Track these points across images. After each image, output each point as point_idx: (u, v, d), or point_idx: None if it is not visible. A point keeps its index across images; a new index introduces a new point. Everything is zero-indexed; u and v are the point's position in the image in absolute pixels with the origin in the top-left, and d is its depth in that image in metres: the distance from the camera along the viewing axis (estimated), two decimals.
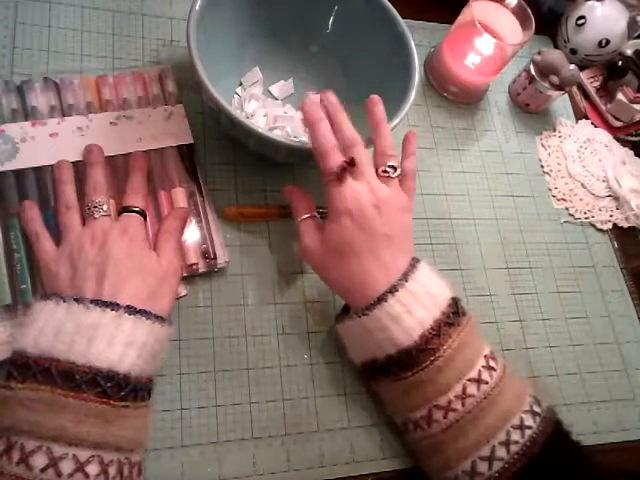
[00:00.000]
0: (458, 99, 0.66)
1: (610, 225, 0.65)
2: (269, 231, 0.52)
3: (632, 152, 0.71)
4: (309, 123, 0.43)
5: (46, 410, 0.33)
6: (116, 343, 0.35)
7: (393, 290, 0.40)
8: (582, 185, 0.66)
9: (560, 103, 0.71)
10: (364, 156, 0.43)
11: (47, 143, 0.46)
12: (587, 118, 0.72)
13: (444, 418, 0.40)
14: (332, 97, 0.44)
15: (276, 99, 0.58)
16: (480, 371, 0.41)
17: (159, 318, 0.38)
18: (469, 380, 0.40)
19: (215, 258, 0.47)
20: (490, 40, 0.58)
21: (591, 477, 0.41)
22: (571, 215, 0.64)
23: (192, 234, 0.47)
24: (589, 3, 0.70)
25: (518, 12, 0.62)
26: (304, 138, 0.53)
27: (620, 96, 0.70)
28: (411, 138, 0.48)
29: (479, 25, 0.58)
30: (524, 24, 0.61)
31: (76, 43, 0.53)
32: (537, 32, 0.60)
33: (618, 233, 0.65)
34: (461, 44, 0.62)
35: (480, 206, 0.61)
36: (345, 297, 0.44)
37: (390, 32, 0.53)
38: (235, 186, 0.52)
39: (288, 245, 0.52)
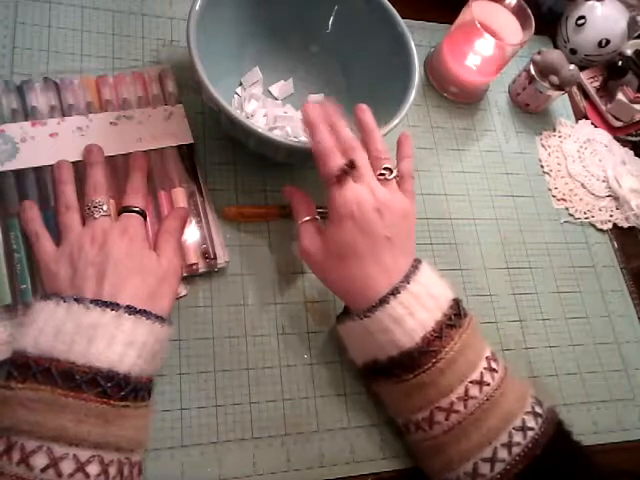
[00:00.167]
0: (458, 99, 0.66)
1: (610, 225, 0.65)
2: (269, 231, 0.52)
3: (632, 152, 0.71)
4: (309, 125, 0.43)
5: (46, 410, 0.33)
6: (116, 343, 0.35)
7: (395, 292, 0.40)
8: (582, 185, 0.66)
9: (560, 103, 0.71)
10: (364, 160, 0.43)
11: (47, 143, 0.46)
12: (587, 118, 0.72)
13: (446, 420, 0.40)
14: (331, 104, 0.44)
15: (276, 99, 0.58)
16: (482, 373, 0.41)
17: (159, 318, 0.38)
18: (471, 382, 0.40)
19: (215, 258, 0.47)
20: (490, 40, 0.58)
21: (592, 478, 0.41)
22: (571, 215, 0.64)
23: (192, 234, 0.47)
24: (589, 3, 0.70)
25: (518, 12, 0.62)
26: (304, 138, 0.53)
27: (620, 96, 0.70)
28: (404, 141, 0.47)
29: (479, 25, 0.58)
30: (524, 24, 0.61)
31: (76, 43, 0.53)
32: (537, 32, 0.60)
33: (618, 233, 0.65)
34: (461, 44, 0.62)
35: (480, 206, 0.61)
36: (345, 299, 0.44)
37: (390, 32, 0.53)
38: (235, 186, 0.52)
39: (288, 245, 0.52)
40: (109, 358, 0.35)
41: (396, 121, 0.47)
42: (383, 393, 0.45)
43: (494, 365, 0.42)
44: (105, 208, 0.41)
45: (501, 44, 0.59)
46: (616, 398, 0.55)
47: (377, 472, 0.46)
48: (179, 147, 0.50)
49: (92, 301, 0.36)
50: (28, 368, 0.34)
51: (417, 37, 0.68)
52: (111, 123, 0.49)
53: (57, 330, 0.35)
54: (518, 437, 0.39)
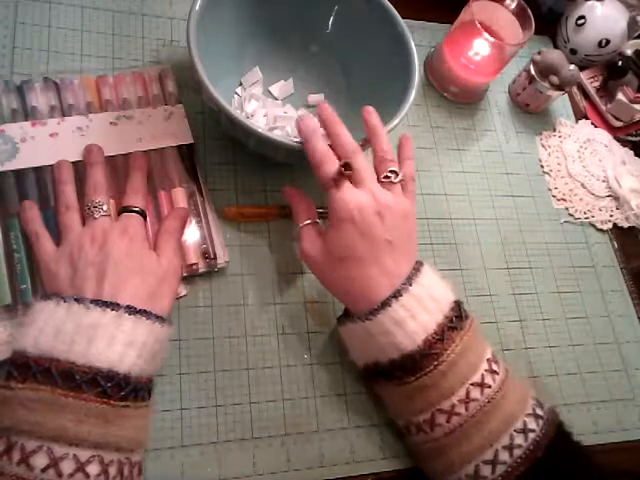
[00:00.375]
0: (458, 99, 0.66)
1: (610, 225, 0.65)
2: (269, 231, 0.52)
3: (632, 152, 0.71)
4: (303, 134, 0.44)
5: (46, 410, 0.33)
6: (116, 343, 0.35)
7: (397, 295, 0.40)
8: (582, 185, 0.66)
9: (560, 103, 0.71)
10: (364, 163, 0.43)
11: (47, 143, 0.46)
12: (587, 118, 0.72)
13: (447, 422, 0.40)
14: (328, 109, 0.45)
15: (276, 99, 0.58)
16: (483, 375, 0.41)
17: (159, 318, 0.38)
18: (472, 384, 0.40)
19: (215, 258, 0.47)
20: (490, 40, 0.58)
21: (593, 479, 0.41)
22: (571, 215, 0.64)
23: (192, 234, 0.47)
24: (589, 3, 0.70)
25: (518, 12, 0.62)
26: None
27: (620, 96, 0.70)
28: (405, 143, 0.47)
29: (479, 25, 0.58)
30: (524, 24, 0.61)
31: (76, 43, 0.53)
32: (537, 32, 0.60)
33: (618, 233, 0.65)
34: (461, 44, 0.62)
35: (480, 206, 0.61)
36: (346, 301, 0.44)
37: (390, 32, 0.53)
38: (235, 186, 0.52)
39: (288, 245, 0.52)
40: (109, 358, 0.35)
41: (396, 121, 0.47)
42: (384, 395, 0.45)
43: (495, 367, 0.42)
44: (105, 208, 0.41)
45: (501, 44, 0.59)
46: (616, 398, 0.55)
47: (377, 472, 0.46)
48: (179, 147, 0.50)
49: (92, 301, 0.36)
50: (28, 368, 0.34)
51: (417, 37, 0.68)
52: (111, 123, 0.49)
53: (57, 330, 0.35)
54: (519, 439, 0.39)
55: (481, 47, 0.60)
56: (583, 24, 0.70)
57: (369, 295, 0.41)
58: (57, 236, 0.41)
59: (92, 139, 0.47)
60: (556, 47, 0.74)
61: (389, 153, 0.44)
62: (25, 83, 0.48)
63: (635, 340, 0.59)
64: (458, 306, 0.43)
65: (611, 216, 0.66)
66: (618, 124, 0.71)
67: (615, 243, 0.65)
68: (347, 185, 0.41)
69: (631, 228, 0.66)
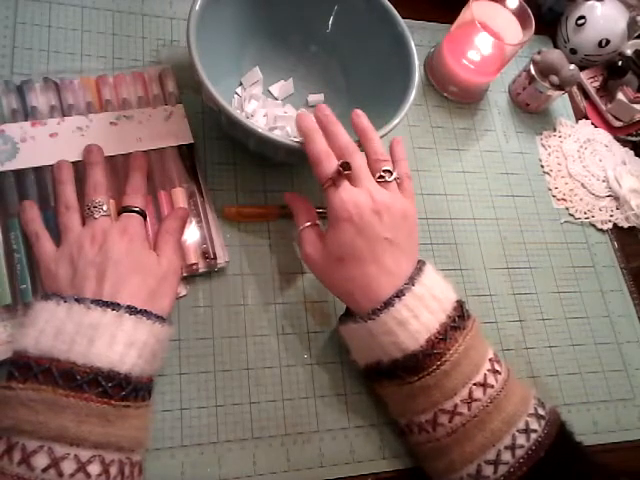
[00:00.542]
0: (458, 99, 0.66)
1: (610, 225, 0.65)
2: (269, 231, 0.52)
3: (632, 152, 0.71)
4: (303, 133, 0.44)
5: (47, 410, 0.33)
6: (117, 343, 0.35)
7: (400, 294, 0.40)
8: (582, 185, 0.66)
9: (560, 103, 0.71)
10: (361, 162, 0.43)
11: (47, 143, 0.46)
12: (587, 118, 0.72)
13: (449, 422, 0.40)
14: (326, 109, 0.45)
15: (276, 99, 0.58)
16: (485, 375, 0.41)
17: (159, 318, 0.38)
18: (475, 384, 0.40)
19: (215, 258, 0.47)
20: (490, 40, 0.58)
21: (594, 479, 0.41)
22: (571, 215, 0.64)
23: (192, 234, 0.47)
24: (589, 3, 0.70)
25: (518, 12, 0.62)
26: None
27: (620, 96, 0.70)
28: (396, 145, 0.47)
29: (479, 25, 0.58)
30: (524, 24, 0.61)
31: (76, 43, 0.53)
32: (537, 32, 0.60)
33: (618, 233, 0.65)
34: (461, 44, 0.62)
35: (480, 206, 0.61)
36: (347, 301, 0.44)
37: (390, 32, 0.53)
38: (235, 186, 0.52)
39: (288, 245, 0.52)
40: (110, 358, 0.35)
41: (396, 121, 0.47)
42: (386, 395, 0.44)
43: (497, 367, 0.42)
44: (105, 208, 0.41)
45: (501, 44, 0.59)
46: (616, 398, 0.55)
47: (377, 472, 0.46)
48: (179, 147, 0.50)
49: (93, 301, 0.36)
50: (29, 368, 0.34)
51: (417, 37, 0.68)
52: (111, 123, 0.49)
53: (58, 330, 0.35)
54: (521, 439, 0.39)
55: (481, 47, 0.60)
56: (583, 24, 0.70)
57: (371, 294, 0.41)
58: (57, 236, 0.41)
59: (92, 139, 0.47)
60: (556, 47, 0.74)
61: (382, 154, 0.44)
62: (25, 83, 0.48)
63: (635, 340, 0.59)
64: (460, 306, 0.43)
65: (611, 216, 0.66)
66: (618, 124, 0.71)
67: (615, 243, 0.65)
68: (345, 185, 0.41)
69: (631, 228, 0.66)
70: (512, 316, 0.56)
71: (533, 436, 0.40)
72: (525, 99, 0.68)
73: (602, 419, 0.54)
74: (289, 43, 0.58)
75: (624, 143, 0.71)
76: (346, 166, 0.41)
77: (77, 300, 0.36)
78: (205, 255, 0.47)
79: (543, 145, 0.68)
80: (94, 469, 0.33)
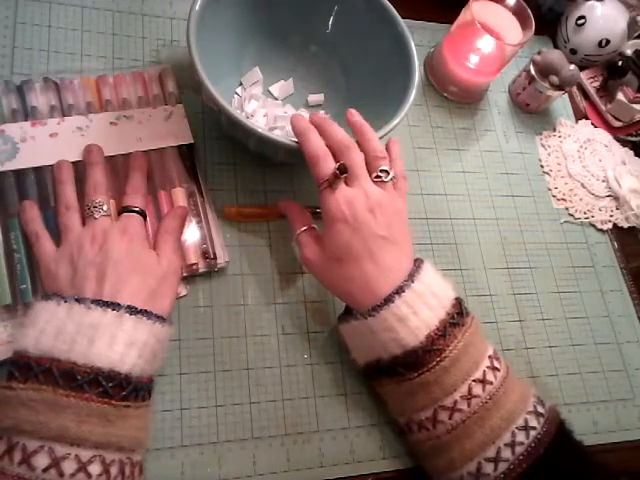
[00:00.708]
0: (458, 99, 0.66)
1: (610, 225, 0.65)
2: (269, 231, 0.52)
3: (632, 152, 0.71)
4: (298, 133, 0.44)
5: (48, 410, 0.33)
6: (117, 343, 0.36)
7: (399, 291, 0.40)
8: (582, 185, 0.66)
9: (560, 103, 0.71)
10: (358, 160, 0.43)
11: (47, 143, 0.46)
12: (587, 118, 0.72)
13: (449, 419, 0.40)
14: (318, 113, 0.46)
15: (276, 99, 0.58)
16: (485, 371, 0.41)
17: (160, 318, 0.38)
18: (474, 380, 0.40)
19: (215, 258, 0.47)
20: (490, 40, 0.58)
21: (594, 477, 0.41)
22: (571, 215, 0.64)
23: (192, 234, 0.47)
24: (589, 3, 0.70)
25: (518, 12, 0.62)
26: None
27: (620, 96, 0.70)
28: (392, 146, 0.48)
29: (479, 25, 0.58)
30: (524, 24, 0.61)
31: (76, 43, 0.53)
32: (537, 32, 0.60)
33: (618, 233, 0.65)
34: (461, 44, 0.62)
35: (480, 206, 0.61)
36: (347, 300, 0.44)
37: (390, 32, 0.53)
38: (235, 186, 0.52)
39: (288, 245, 0.52)
40: (110, 358, 0.35)
41: (396, 121, 0.47)
42: (386, 393, 0.45)
43: (497, 364, 0.42)
44: (105, 208, 0.42)
45: (501, 44, 0.59)
46: (616, 398, 0.55)
47: (377, 472, 0.46)
48: (179, 147, 0.50)
49: (93, 301, 0.36)
50: (29, 368, 0.34)
51: (417, 37, 0.68)
52: (111, 123, 0.49)
53: (58, 330, 0.35)
54: (521, 436, 0.40)
55: (481, 47, 0.60)
56: (583, 24, 0.70)
57: (370, 292, 0.41)
58: (57, 236, 0.41)
59: (92, 139, 0.47)
60: (556, 47, 0.74)
61: (381, 151, 0.44)
62: (25, 83, 0.48)
63: (635, 340, 0.59)
64: (459, 303, 0.43)
65: (611, 216, 0.66)
66: (618, 124, 0.71)
67: (615, 243, 0.65)
68: (341, 186, 0.42)
69: (631, 228, 0.66)
70: (512, 316, 0.56)
71: (532, 433, 0.40)
72: (525, 99, 0.68)
73: (602, 419, 0.54)
74: (289, 43, 0.58)
75: (624, 143, 0.71)
76: (343, 169, 0.41)
77: (77, 300, 0.36)
78: (205, 255, 0.47)
79: (543, 145, 0.68)
80: (95, 469, 0.33)
